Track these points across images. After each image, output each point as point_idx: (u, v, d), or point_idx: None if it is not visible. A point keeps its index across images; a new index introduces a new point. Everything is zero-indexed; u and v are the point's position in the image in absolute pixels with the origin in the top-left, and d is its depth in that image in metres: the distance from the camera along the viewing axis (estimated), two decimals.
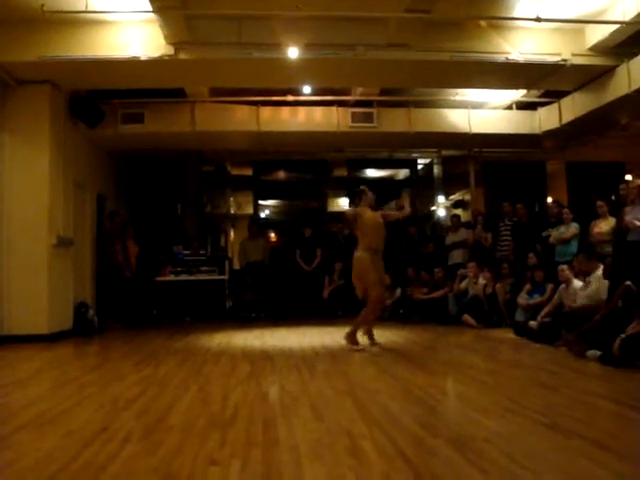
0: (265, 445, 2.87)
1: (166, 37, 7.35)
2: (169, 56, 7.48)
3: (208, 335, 8.37)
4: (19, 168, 8.06)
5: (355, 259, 6.62)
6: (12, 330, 7.79)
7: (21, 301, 7.92)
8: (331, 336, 7.76)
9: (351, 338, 6.56)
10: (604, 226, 7.90)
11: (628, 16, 7.05)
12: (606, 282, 6.45)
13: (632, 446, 2.82)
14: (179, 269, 11.11)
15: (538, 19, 7.23)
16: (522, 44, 7.84)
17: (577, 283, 6.95)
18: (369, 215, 6.66)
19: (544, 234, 8.79)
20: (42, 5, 6.72)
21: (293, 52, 7.43)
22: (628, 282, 5.54)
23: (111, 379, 5.08)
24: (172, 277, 11.07)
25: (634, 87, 7.90)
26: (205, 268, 11.20)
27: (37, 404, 4.06)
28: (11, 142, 8.08)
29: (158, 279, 10.97)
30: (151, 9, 6.80)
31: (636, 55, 7.81)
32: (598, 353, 5.29)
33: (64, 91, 8.60)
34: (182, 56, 7.52)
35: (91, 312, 9.12)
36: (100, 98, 9.42)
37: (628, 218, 7.21)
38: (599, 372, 4.98)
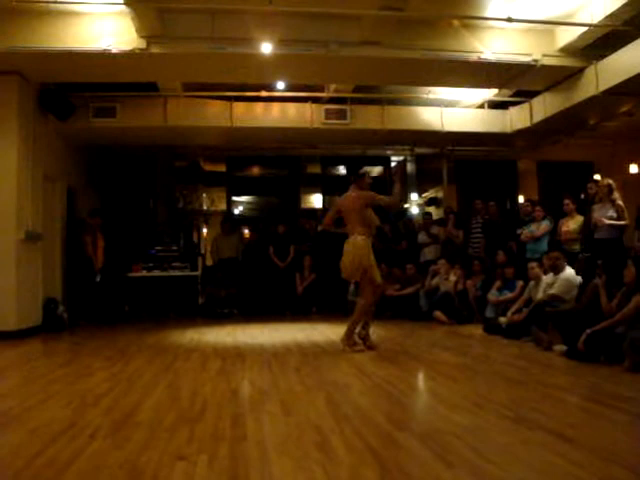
0: (233, 440, 2.87)
1: (138, 30, 7.26)
2: (141, 50, 7.39)
3: (180, 331, 8.32)
4: None
5: (356, 243, 6.11)
6: None
7: None
8: (303, 332, 7.78)
9: (349, 338, 6.11)
10: (572, 224, 8.03)
11: (596, 19, 7.17)
12: (577, 279, 6.59)
13: (594, 438, 2.88)
14: (151, 265, 11.02)
15: (509, 19, 7.31)
16: (494, 44, 7.92)
17: (546, 278, 7.05)
18: (348, 199, 6.33)
19: (519, 232, 8.89)
20: None
21: (266, 47, 7.39)
22: (596, 280, 5.65)
23: (80, 375, 5.03)
24: (144, 273, 10.97)
25: (602, 88, 8.04)
26: (177, 264, 11.12)
27: (2, 401, 4.01)
28: None
29: (130, 275, 10.86)
30: (123, 1, 6.72)
31: (604, 57, 7.96)
32: (564, 348, 5.39)
33: (33, 83, 8.45)
34: (154, 50, 7.44)
35: (61, 308, 9.00)
36: (71, 91, 9.28)
37: (596, 216, 7.36)
38: (565, 367, 5.07)
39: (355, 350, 6.00)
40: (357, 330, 6.23)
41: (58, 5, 7.01)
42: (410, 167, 13.77)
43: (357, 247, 6.09)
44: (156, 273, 10.96)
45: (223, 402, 3.78)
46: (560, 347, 5.51)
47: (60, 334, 8.42)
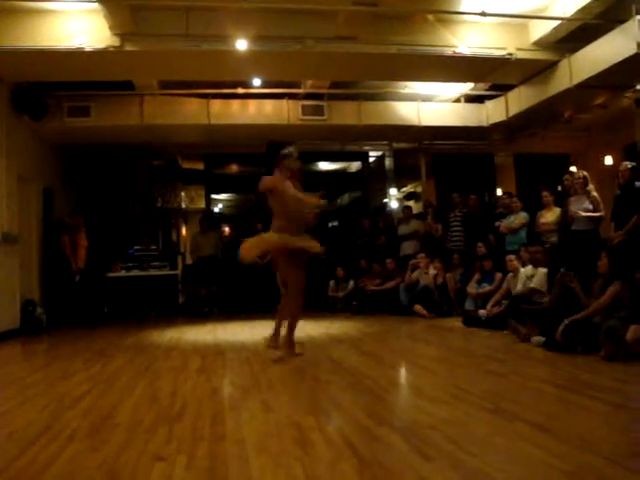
0: (212, 439, 2.86)
1: (111, 28, 7.19)
2: (115, 47, 7.32)
3: (160, 331, 8.27)
4: None
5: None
6: None
7: None
8: (283, 329, 7.74)
9: (290, 344, 5.40)
10: (549, 216, 8.10)
11: (568, 12, 7.25)
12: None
13: (571, 428, 2.91)
14: (130, 264, 10.93)
15: (483, 13, 7.36)
16: (469, 38, 7.97)
17: (524, 271, 7.10)
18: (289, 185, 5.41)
19: (497, 224, 8.95)
20: None
21: (242, 44, 7.37)
22: (562, 269, 5.72)
23: (58, 378, 4.97)
24: (123, 273, 10.88)
25: (575, 81, 8.14)
26: (157, 263, 11.05)
27: None
28: None
29: (109, 275, 10.77)
30: None
31: (577, 50, 8.05)
32: (542, 339, 5.44)
33: (6, 82, 8.33)
34: (128, 47, 7.37)
35: (39, 310, 8.90)
36: (45, 90, 9.16)
37: (572, 208, 7.44)
38: (543, 358, 5.12)
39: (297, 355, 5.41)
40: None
41: (30, 3, 6.95)
42: (388, 162, 13.80)
43: None
44: (135, 273, 10.89)
45: (203, 401, 3.76)
46: (538, 339, 5.56)
47: (39, 336, 8.33)
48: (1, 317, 7.98)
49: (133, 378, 4.69)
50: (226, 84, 9.78)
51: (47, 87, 9.17)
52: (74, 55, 7.39)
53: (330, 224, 13.73)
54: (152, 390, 4.19)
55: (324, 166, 14.65)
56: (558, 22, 7.52)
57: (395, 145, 12.70)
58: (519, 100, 9.76)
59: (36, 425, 3.25)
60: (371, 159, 14.27)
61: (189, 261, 11.81)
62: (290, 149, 5.23)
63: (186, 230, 13.25)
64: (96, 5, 6.88)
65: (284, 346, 5.35)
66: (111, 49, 7.34)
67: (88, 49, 7.31)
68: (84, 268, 9.96)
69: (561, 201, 8.10)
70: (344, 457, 2.54)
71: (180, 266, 11.36)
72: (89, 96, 9.63)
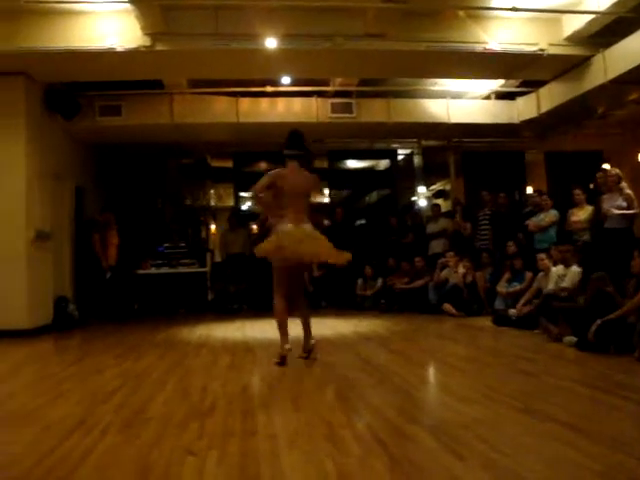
0: (243, 435, 2.88)
1: (143, 28, 7.27)
2: (146, 47, 7.39)
3: (189, 328, 8.34)
4: None
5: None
6: None
7: (0, 296, 7.83)
8: (313, 327, 7.74)
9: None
10: (581, 214, 7.98)
11: (603, 6, 7.11)
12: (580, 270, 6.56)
13: (603, 428, 2.87)
14: (160, 262, 11.05)
15: (515, 9, 7.26)
16: (500, 34, 7.86)
17: (556, 270, 7.01)
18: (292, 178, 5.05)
19: (526, 222, 8.85)
20: None
21: (271, 43, 7.38)
22: (596, 273, 5.62)
23: (91, 373, 5.06)
24: (153, 270, 11.00)
25: (610, 76, 7.97)
26: (186, 261, 11.14)
27: (15, 398, 4.05)
28: None
29: (139, 272, 10.90)
30: None
31: (611, 45, 7.89)
32: (574, 339, 5.37)
33: (40, 83, 8.48)
34: (159, 47, 7.44)
35: (71, 306, 9.06)
36: (77, 90, 9.30)
37: (605, 206, 7.32)
38: (575, 358, 5.05)
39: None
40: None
41: (63, 5, 7.04)
42: (417, 160, 13.73)
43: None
44: (165, 270, 11.00)
45: (233, 397, 3.79)
46: (570, 339, 5.48)
47: (71, 332, 8.46)
48: (35, 313, 8.13)
49: (164, 374, 4.74)
50: (255, 82, 9.82)
51: (79, 87, 9.31)
52: (106, 55, 7.48)
53: (358, 222, 13.70)
54: (183, 386, 4.23)
55: (352, 164, 14.63)
56: (592, 16, 7.37)
57: (424, 143, 12.62)
58: (551, 96, 9.62)
59: (71, 419, 3.31)
60: (400, 157, 14.22)
61: (218, 258, 11.88)
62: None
63: (215, 228, 13.34)
64: (127, 6, 6.97)
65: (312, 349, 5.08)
66: (142, 49, 7.41)
67: (119, 49, 7.40)
68: (115, 265, 10.11)
69: (593, 199, 7.98)
70: (375, 454, 2.53)
71: (209, 263, 11.43)
72: (120, 95, 9.75)
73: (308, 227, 4.92)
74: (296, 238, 4.77)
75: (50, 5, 7.01)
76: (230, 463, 2.48)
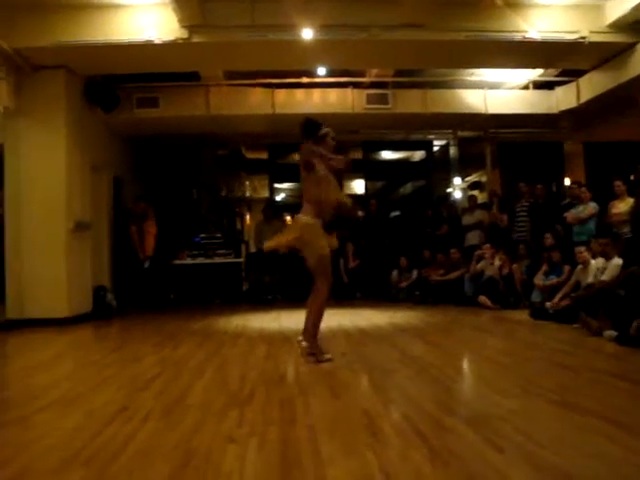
0: (282, 423, 2.91)
1: (180, 20, 7.35)
2: (183, 39, 7.48)
3: (225, 317, 8.44)
4: (36, 153, 8.14)
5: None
6: (33, 314, 7.92)
7: (41, 285, 8.03)
8: (348, 318, 7.79)
9: (314, 347, 4.66)
10: (622, 206, 7.82)
11: None
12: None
13: None
14: (195, 252, 11.18)
15: None
16: (539, 22, 7.74)
17: (595, 263, 6.89)
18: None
19: (565, 215, 8.71)
20: None
21: (307, 33, 7.40)
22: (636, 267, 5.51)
23: (130, 361, 5.16)
24: (189, 260, 11.14)
25: None
26: (221, 251, 11.25)
27: (59, 385, 4.14)
28: (28, 128, 8.15)
29: (175, 262, 11.04)
30: None
31: None
32: (615, 334, 5.27)
33: (80, 76, 8.64)
34: (196, 39, 7.52)
35: (109, 295, 9.24)
36: (115, 82, 9.45)
37: None
38: (616, 352, 4.95)
39: (325, 360, 4.59)
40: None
41: None
42: (453, 151, 13.60)
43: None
44: (201, 260, 11.12)
45: (271, 386, 3.83)
46: (610, 333, 5.38)
47: (109, 321, 8.64)
48: (75, 301, 8.33)
49: (202, 362, 4.81)
50: (291, 74, 9.84)
51: (117, 79, 9.45)
52: (144, 48, 7.59)
53: (392, 214, 13.65)
54: (221, 374, 4.29)
55: (387, 155, 14.56)
56: (637, 2, 7.18)
57: (460, 133, 12.51)
58: (591, 86, 9.43)
59: (113, 405, 3.38)
60: (435, 148, 14.10)
61: (253, 249, 11.96)
62: (328, 128, 4.84)
63: (250, 219, 13.43)
64: None
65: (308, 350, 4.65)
66: (179, 41, 7.50)
67: (157, 42, 7.50)
68: (153, 255, 10.26)
69: (634, 191, 7.81)
70: (414, 445, 2.53)
71: (244, 254, 11.51)
72: (157, 87, 9.89)
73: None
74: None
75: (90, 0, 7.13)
76: (270, 450, 2.51)
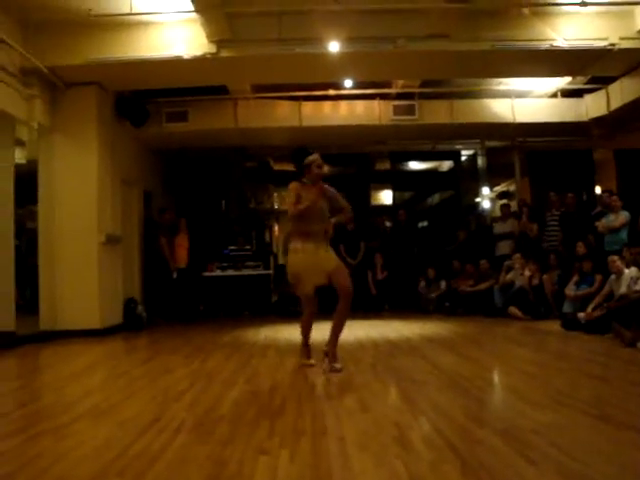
0: (313, 435, 2.91)
1: (208, 36, 7.45)
2: (211, 54, 7.58)
3: (254, 329, 8.48)
4: (69, 168, 8.30)
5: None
6: (66, 325, 8.04)
7: (73, 297, 8.16)
8: (377, 329, 7.78)
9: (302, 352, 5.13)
10: None
11: None
12: None
13: None
14: (225, 264, 11.26)
15: (583, 3, 7.08)
16: (567, 30, 7.67)
17: (629, 272, 6.77)
18: (306, 193, 4.90)
19: (596, 224, 8.59)
20: (89, 9, 6.95)
21: (334, 46, 7.44)
22: None
23: (161, 372, 5.21)
24: (218, 272, 11.22)
25: None
26: (250, 263, 11.31)
27: (92, 396, 4.21)
28: (61, 143, 8.33)
29: (205, 274, 11.14)
30: (193, 9, 6.94)
31: None
32: None
33: (110, 92, 8.81)
34: (224, 54, 7.61)
35: (140, 307, 9.34)
36: (145, 97, 9.61)
37: None
38: None
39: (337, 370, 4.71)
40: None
41: (132, 17, 7.29)
42: (481, 160, 13.52)
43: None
44: (230, 272, 11.20)
45: (302, 398, 3.84)
46: None
47: (139, 332, 8.74)
48: (107, 313, 8.45)
49: (232, 374, 4.84)
50: (317, 86, 9.90)
51: (147, 94, 9.61)
52: (173, 63, 7.71)
53: (420, 224, 13.61)
54: (251, 386, 4.30)
55: (415, 166, 14.54)
56: None
57: (487, 143, 12.43)
58: (622, 93, 9.31)
59: (145, 416, 3.43)
60: (463, 158, 14.04)
61: (282, 261, 12.00)
62: (314, 156, 4.99)
63: (278, 230, 13.49)
64: (193, 15, 7.16)
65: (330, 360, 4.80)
66: (208, 56, 7.60)
67: (186, 57, 7.61)
68: (186, 268, 10.37)
69: None
70: (446, 458, 2.52)
71: (273, 266, 11.56)
72: (186, 102, 10.03)
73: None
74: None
75: (120, 18, 7.29)
76: (302, 462, 2.52)
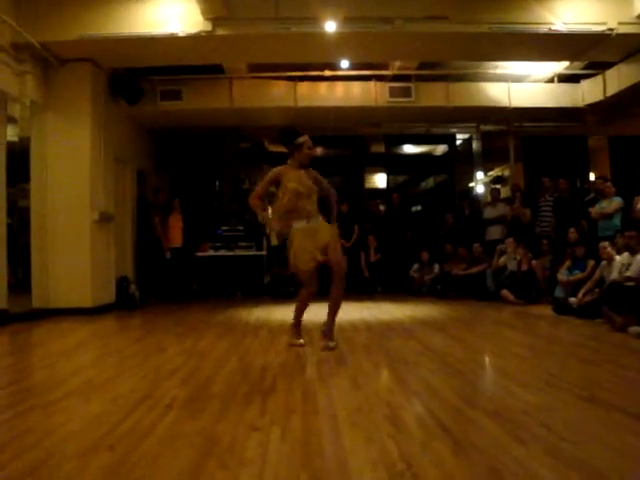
0: (304, 413, 2.92)
1: (203, 13, 7.37)
2: (207, 32, 7.50)
3: (247, 309, 8.49)
4: (62, 146, 8.24)
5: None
6: (58, 304, 8.03)
7: (65, 276, 8.15)
8: (369, 311, 7.80)
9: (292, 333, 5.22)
10: None
11: None
12: None
13: None
14: (218, 244, 11.24)
15: None
16: (565, 14, 7.64)
17: (620, 258, 6.79)
18: (293, 174, 4.91)
19: (590, 209, 8.61)
20: None
21: (331, 26, 7.38)
22: None
23: (153, 351, 5.21)
24: (211, 252, 11.20)
25: None
26: (243, 244, 11.29)
27: (83, 373, 4.21)
28: (54, 120, 8.25)
29: (198, 254, 11.12)
30: None
31: None
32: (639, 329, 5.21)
33: (104, 69, 8.72)
34: (219, 32, 7.54)
35: (132, 286, 9.33)
36: (139, 75, 9.52)
37: None
38: None
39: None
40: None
41: None
42: (476, 145, 13.50)
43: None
44: (223, 253, 11.18)
45: (293, 376, 3.85)
46: (635, 329, 5.33)
47: (132, 311, 8.73)
48: (100, 292, 8.44)
49: (224, 353, 4.85)
50: (313, 66, 9.83)
51: (141, 72, 9.51)
52: (168, 40, 7.63)
53: (414, 208, 13.59)
54: (243, 365, 4.31)
55: (409, 149, 14.49)
56: None
57: (483, 127, 12.41)
58: (619, 78, 9.28)
59: (137, 393, 3.43)
60: (458, 142, 14.00)
61: (274, 242, 11.97)
62: (305, 137, 4.98)
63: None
64: None
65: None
66: (203, 34, 7.53)
67: (181, 34, 7.54)
68: (180, 247, 10.36)
69: None
70: (436, 437, 2.53)
71: (266, 247, 11.55)
72: (181, 80, 9.94)
73: None
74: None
75: None
76: (294, 439, 2.53)
